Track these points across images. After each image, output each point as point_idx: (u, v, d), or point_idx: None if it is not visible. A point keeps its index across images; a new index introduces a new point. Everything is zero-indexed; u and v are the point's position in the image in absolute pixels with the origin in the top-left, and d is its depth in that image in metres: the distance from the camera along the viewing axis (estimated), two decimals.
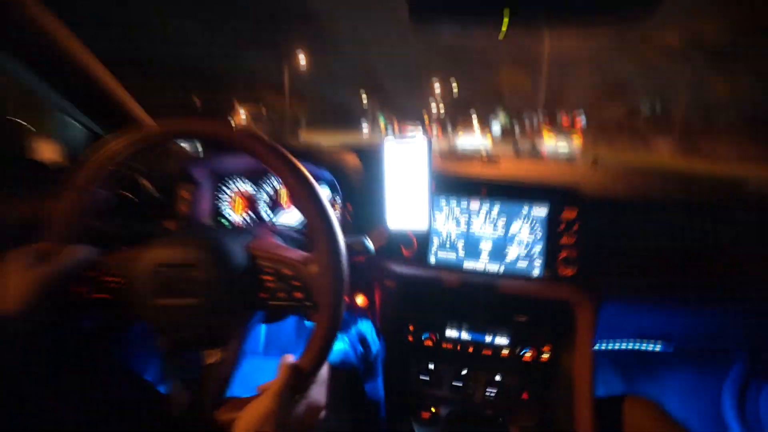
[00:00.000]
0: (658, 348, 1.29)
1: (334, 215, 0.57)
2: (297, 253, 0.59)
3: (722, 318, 1.05)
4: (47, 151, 0.96)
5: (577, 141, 12.32)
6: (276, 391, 0.51)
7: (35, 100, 0.91)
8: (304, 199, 0.56)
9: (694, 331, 1.13)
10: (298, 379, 0.55)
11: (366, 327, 1.02)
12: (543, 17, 0.64)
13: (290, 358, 0.57)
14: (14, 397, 0.50)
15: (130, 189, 0.97)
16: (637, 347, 1.27)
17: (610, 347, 1.24)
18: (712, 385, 1.35)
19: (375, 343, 1.02)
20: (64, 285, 0.55)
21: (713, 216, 0.90)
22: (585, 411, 0.83)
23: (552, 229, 0.91)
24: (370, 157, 1.04)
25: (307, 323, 0.63)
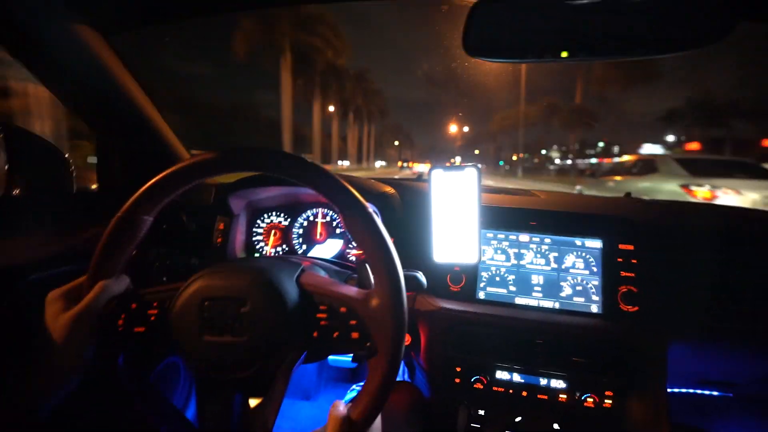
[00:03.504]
0: (715, 393, 1.19)
1: (394, 250, 0.54)
2: (352, 290, 0.54)
3: None
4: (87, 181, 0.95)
5: None
6: None
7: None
8: (365, 232, 0.53)
9: (761, 376, 1.03)
10: (352, 430, 0.49)
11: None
12: (602, 52, 0.64)
13: (341, 406, 0.51)
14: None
15: (167, 220, 0.95)
16: (692, 392, 1.17)
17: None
18: None
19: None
20: (99, 321, 0.52)
21: None
22: None
23: (608, 263, 0.87)
24: (409, 190, 1.02)
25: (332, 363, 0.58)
